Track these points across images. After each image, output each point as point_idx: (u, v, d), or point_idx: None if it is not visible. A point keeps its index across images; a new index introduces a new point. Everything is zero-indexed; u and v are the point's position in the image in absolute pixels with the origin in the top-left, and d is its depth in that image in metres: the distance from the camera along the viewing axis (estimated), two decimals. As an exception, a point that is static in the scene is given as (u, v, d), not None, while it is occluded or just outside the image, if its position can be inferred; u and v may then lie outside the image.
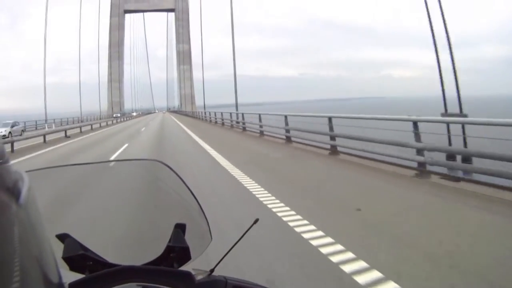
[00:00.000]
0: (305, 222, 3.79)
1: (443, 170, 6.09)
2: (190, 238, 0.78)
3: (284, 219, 3.96)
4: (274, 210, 4.31)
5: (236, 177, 6.48)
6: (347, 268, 2.72)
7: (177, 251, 0.77)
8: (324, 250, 3.07)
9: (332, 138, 9.37)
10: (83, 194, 0.99)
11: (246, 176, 6.46)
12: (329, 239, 3.30)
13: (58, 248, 0.73)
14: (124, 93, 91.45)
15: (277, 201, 4.67)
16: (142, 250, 0.91)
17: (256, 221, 0.80)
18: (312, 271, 2.79)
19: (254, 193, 5.26)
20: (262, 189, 5.41)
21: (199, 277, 0.72)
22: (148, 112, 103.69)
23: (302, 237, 3.39)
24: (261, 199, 4.89)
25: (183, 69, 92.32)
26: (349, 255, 2.95)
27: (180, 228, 0.78)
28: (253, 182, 5.93)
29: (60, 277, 0.41)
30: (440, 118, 6.64)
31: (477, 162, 5.67)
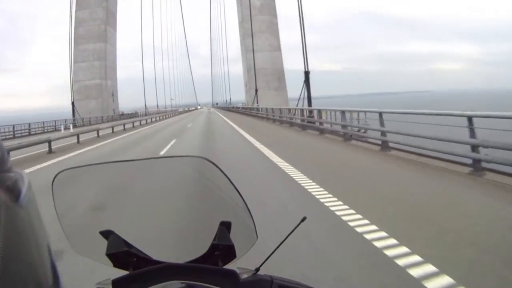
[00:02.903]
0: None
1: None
2: (235, 236, 0.77)
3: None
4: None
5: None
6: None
7: (222, 249, 0.77)
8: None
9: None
10: (127, 191, 0.98)
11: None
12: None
13: (102, 245, 0.75)
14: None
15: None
16: (186, 248, 0.91)
17: (303, 219, 0.79)
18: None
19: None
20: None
21: (244, 276, 0.71)
22: (187, 109, 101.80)
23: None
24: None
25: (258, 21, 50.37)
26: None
27: (225, 226, 0.78)
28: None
29: (58, 278, 0.42)
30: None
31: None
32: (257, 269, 0.73)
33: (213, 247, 0.77)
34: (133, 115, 51.21)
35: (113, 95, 50.31)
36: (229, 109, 68.46)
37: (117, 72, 53.37)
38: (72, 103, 41.55)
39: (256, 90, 44.68)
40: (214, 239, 0.77)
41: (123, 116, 49.76)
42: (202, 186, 0.98)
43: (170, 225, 0.97)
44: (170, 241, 0.92)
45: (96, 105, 46.20)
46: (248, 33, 48.10)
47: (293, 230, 0.77)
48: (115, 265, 0.76)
